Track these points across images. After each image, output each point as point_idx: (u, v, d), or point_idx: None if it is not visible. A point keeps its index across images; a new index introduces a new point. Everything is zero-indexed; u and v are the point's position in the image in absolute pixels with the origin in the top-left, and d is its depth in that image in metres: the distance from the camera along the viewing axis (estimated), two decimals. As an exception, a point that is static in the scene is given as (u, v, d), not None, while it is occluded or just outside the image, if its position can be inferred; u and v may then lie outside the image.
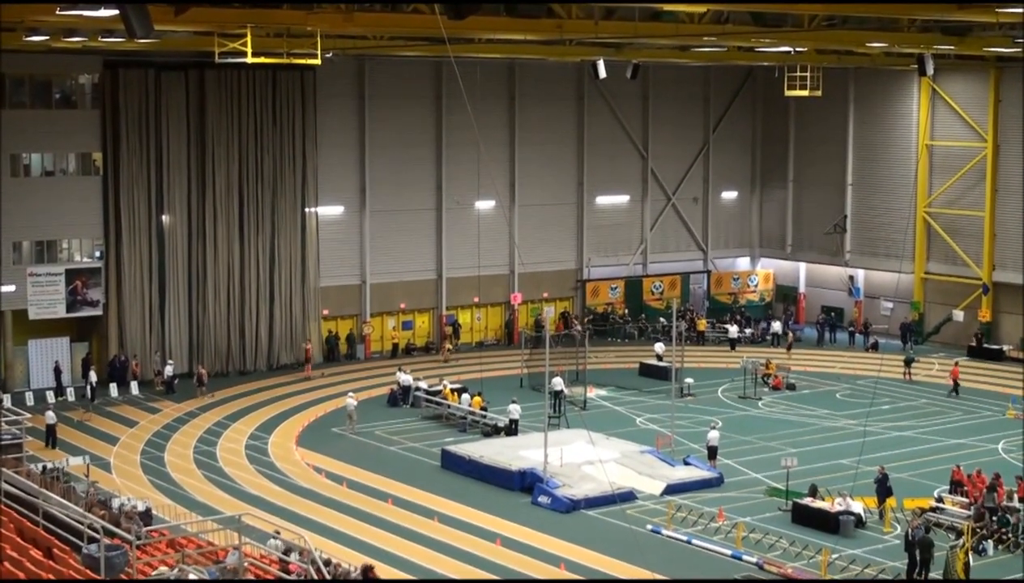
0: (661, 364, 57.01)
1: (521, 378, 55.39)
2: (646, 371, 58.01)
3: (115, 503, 34.01)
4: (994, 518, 35.65)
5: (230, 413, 50.95)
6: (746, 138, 73.66)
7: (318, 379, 56.71)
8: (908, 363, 57.21)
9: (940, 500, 37.88)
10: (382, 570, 33.21)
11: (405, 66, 60.96)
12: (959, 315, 64.34)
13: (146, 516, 32.80)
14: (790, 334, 64.52)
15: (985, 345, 61.89)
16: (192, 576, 20.92)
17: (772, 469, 41.52)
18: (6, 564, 19.28)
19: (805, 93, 58.53)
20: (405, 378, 52.71)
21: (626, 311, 68.43)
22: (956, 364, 56.30)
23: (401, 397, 52.18)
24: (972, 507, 36.49)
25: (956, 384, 54.29)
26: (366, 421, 48.86)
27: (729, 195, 73.46)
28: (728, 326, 65.89)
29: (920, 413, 51.23)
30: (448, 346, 61.66)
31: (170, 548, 24.44)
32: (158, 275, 56.27)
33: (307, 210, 59.44)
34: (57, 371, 53.36)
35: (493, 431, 46.90)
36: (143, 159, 55.39)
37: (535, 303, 66.34)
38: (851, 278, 69.37)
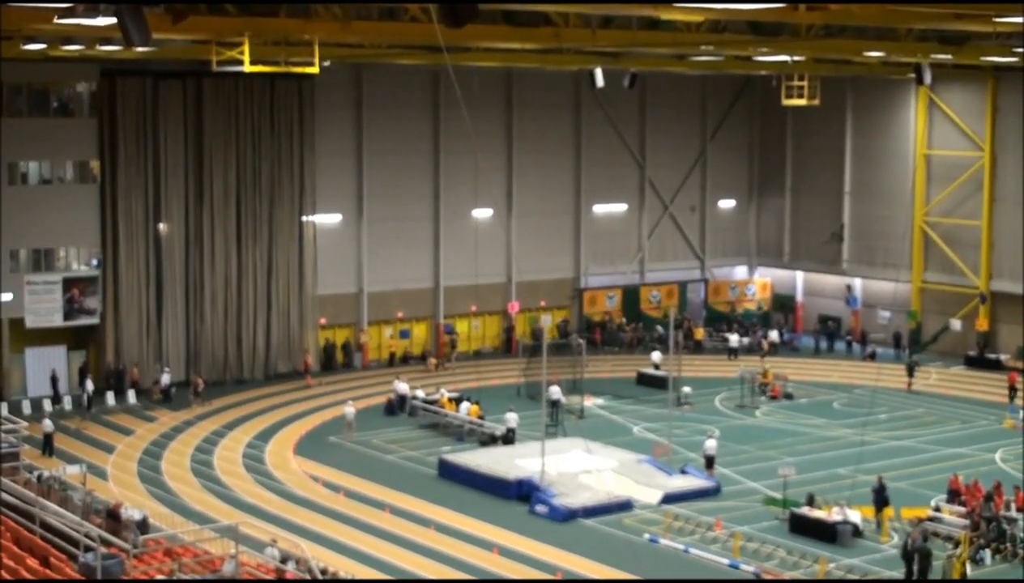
0: (658, 373, 56.99)
1: (518, 387, 55.34)
2: (643, 380, 58.00)
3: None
4: (991, 527, 35.62)
5: (227, 422, 50.90)
6: (743, 147, 73.69)
7: (316, 387, 56.69)
8: (911, 371, 57.07)
9: (938, 509, 37.86)
10: (379, 578, 33.20)
11: (402, 75, 60.99)
12: (956, 324, 64.33)
13: (142, 525, 32.74)
14: (764, 342, 64.46)
15: (984, 354, 61.97)
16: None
17: (769, 478, 41.47)
18: (3, 572, 19.25)
19: (803, 102, 58.58)
20: (402, 387, 52.68)
21: (623, 320, 68.42)
22: (1014, 371, 56.22)
23: (398, 406, 52.16)
24: (969, 516, 36.47)
25: (1014, 389, 54.00)
26: (363, 430, 48.82)
27: (726, 204, 73.47)
28: (728, 335, 65.83)
29: (917, 422, 51.21)
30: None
31: (166, 557, 24.41)
32: (155, 283, 56.25)
33: (304, 219, 59.44)
34: (54, 379, 53.31)
35: (490, 440, 46.86)
36: (140, 167, 55.40)
37: (533, 312, 66.33)
38: (849, 287, 69.37)
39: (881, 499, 37.48)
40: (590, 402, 53.53)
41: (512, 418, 46.79)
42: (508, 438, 46.44)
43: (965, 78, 62.49)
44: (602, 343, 65.63)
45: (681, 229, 71.94)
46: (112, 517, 31.79)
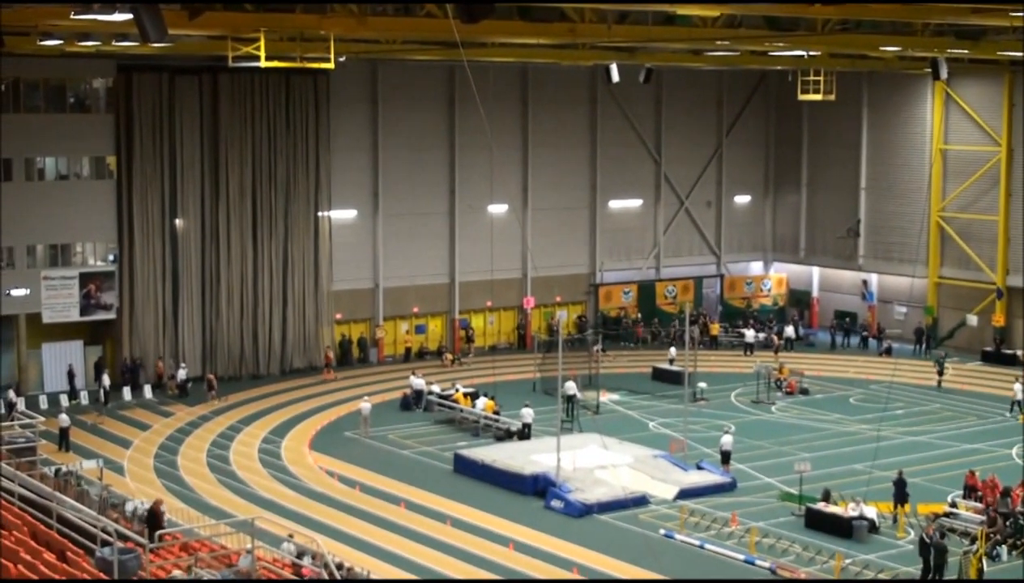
0: (674, 368, 56.94)
1: (534, 382, 55.35)
2: (659, 375, 57.96)
3: (128, 506, 34.06)
4: (1008, 523, 35.52)
5: (243, 417, 51.01)
6: (759, 142, 73.56)
7: (332, 382, 56.78)
8: (941, 368, 56.69)
9: (954, 505, 37.79)
10: (395, 573, 33.26)
11: (418, 70, 60.99)
12: (973, 320, 64.16)
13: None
14: (775, 338, 64.35)
15: (1000, 350, 61.78)
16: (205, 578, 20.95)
17: (785, 474, 41.42)
18: (20, 567, 19.32)
19: (818, 97, 58.46)
20: (418, 382, 52.73)
21: (639, 315, 68.39)
22: None
23: (414, 401, 52.21)
24: (986, 512, 36.38)
25: None
26: (379, 425, 48.88)
27: (742, 199, 73.37)
28: (744, 331, 65.72)
29: (934, 418, 51.09)
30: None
31: (183, 551, 24.47)
32: (171, 279, 56.38)
33: (320, 214, 59.50)
34: (70, 374, 53.48)
35: (506, 435, 46.90)
36: (157, 163, 55.51)
37: (548, 307, 66.34)
38: (865, 282, 69.22)
39: (901, 493, 37.43)
40: (606, 398, 53.52)
41: (528, 413, 46.82)
42: (524, 433, 46.46)
43: (981, 73, 62.25)
44: (639, 340, 66.02)
45: (697, 224, 71.85)
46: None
